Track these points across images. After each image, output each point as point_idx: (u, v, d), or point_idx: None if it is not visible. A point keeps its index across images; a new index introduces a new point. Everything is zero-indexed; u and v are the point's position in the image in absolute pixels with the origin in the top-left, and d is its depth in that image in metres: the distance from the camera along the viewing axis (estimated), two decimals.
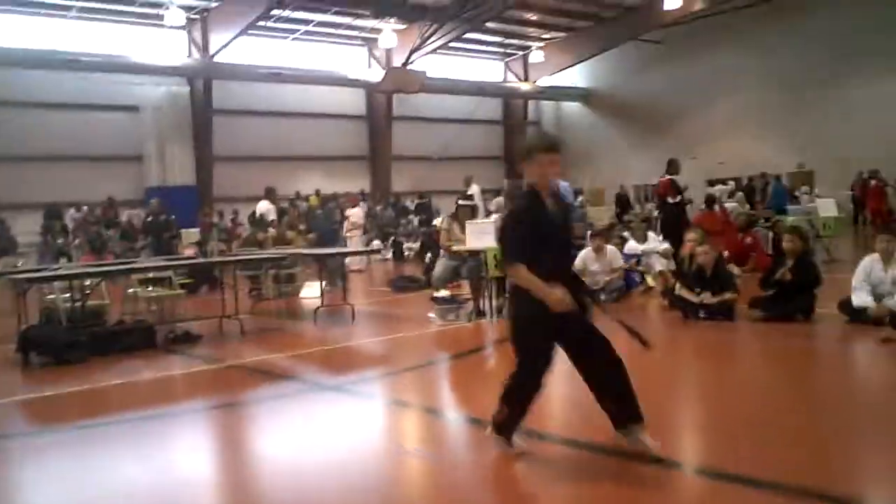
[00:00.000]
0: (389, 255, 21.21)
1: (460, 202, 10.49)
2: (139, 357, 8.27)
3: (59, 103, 23.33)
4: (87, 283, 9.18)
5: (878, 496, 3.98)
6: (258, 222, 15.94)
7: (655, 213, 17.48)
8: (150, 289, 10.51)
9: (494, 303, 9.96)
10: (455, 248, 9.94)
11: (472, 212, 10.45)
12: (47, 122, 22.81)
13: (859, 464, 4.30)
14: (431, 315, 9.86)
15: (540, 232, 4.11)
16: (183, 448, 5.38)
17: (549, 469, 4.37)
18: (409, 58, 27.19)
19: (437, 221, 16.56)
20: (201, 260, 11.66)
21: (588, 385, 4.32)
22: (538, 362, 4.19)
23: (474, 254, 9.71)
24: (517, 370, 4.27)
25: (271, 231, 14.83)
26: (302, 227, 16.89)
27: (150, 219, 17.38)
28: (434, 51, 27.59)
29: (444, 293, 9.89)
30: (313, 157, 27.89)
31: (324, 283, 11.32)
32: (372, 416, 5.90)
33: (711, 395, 6.07)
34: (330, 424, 5.71)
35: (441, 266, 10.23)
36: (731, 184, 23.71)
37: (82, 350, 8.06)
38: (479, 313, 9.83)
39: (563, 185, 15.15)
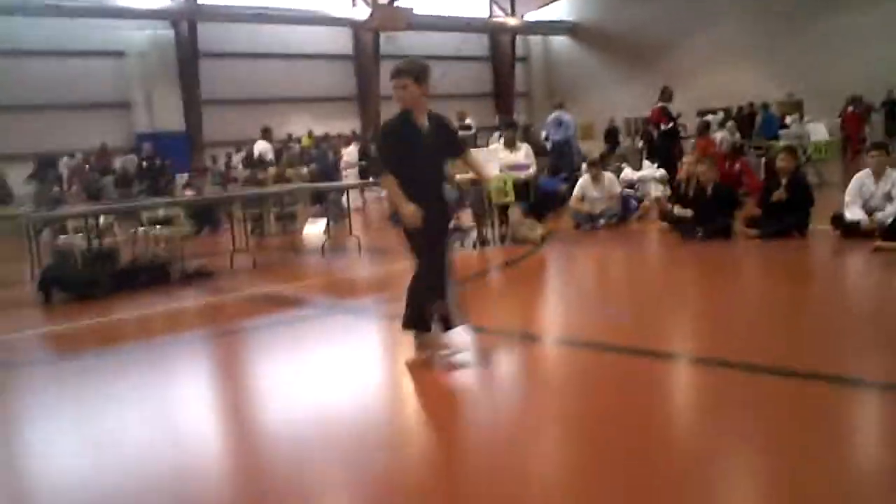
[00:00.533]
0: (384, 192, 21.31)
1: (460, 133, 10.65)
2: (155, 292, 8.52)
3: (41, 50, 23.01)
4: (101, 221, 9.35)
5: (862, 371, 4.32)
6: (257, 162, 16.07)
7: (640, 144, 17.69)
8: (158, 228, 10.71)
9: (497, 230, 10.25)
10: (458, 177, 10.14)
11: (473, 141, 10.63)
12: (29, 69, 22.53)
13: (843, 348, 4.66)
14: None
15: (405, 147, 4.68)
16: (206, 368, 5.68)
17: (563, 368, 4.70)
18: None
19: None
20: (210, 196, 11.81)
21: None
22: (433, 258, 4.74)
23: (476, 183, 9.92)
24: (419, 269, 4.81)
25: (271, 170, 14.95)
26: (302, 167, 16.98)
27: (144, 164, 17.44)
28: None
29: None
30: (302, 99, 27.76)
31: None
32: (392, 332, 6.18)
33: (710, 299, 6.40)
34: (353, 341, 6.00)
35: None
36: (721, 113, 23.86)
37: (102, 286, 8.29)
38: (483, 241, 10.10)
39: (566, 116, 15.33)
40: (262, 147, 15.59)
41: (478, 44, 33.30)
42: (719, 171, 12.80)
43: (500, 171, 10.09)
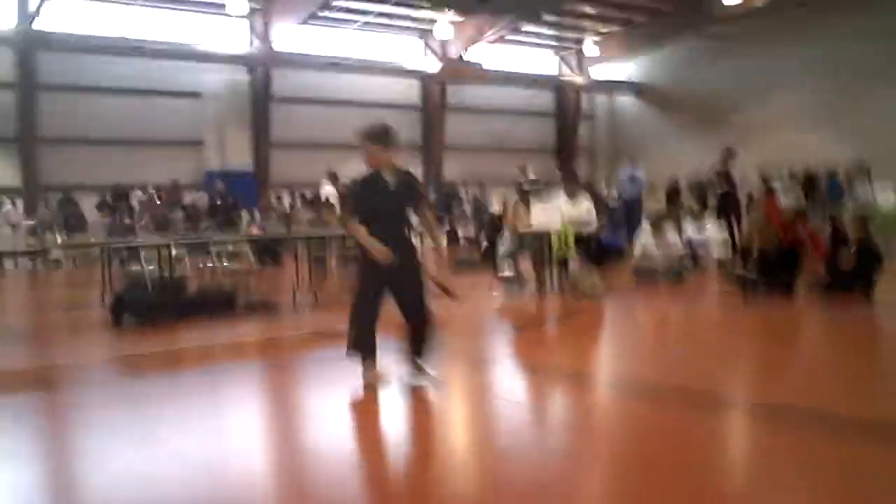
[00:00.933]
0: (444, 240, 21.63)
1: (524, 186, 10.81)
2: (220, 322, 8.75)
3: (125, 88, 24.11)
4: (174, 252, 9.69)
5: None
6: (324, 205, 16.47)
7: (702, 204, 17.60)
8: (226, 263, 11.04)
9: (556, 280, 10.30)
10: (521, 228, 10.27)
11: (538, 195, 10.77)
12: (114, 106, 23.55)
13: None
14: (495, 293, 10.21)
15: (374, 199, 5.30)
16: (262, 395, 5.82)
17: (618, 414, 4.72)
18: (464, 49, 27.50)
19: (493, 207, 16.86)
20: (278, 235, 12.13)
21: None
22: (367, 294, 5.33)
23: (538, 233, 10.05)
24: (354, 300, 5.42)
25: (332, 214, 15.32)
26: None
27: (218, 201, 18.03)
28: (489, 42, 27.86)
29: (508, 271, 10.22)
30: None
31: None
32: (461, 372, 6.25)
33: (769, 354, 6.34)
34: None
35: (505, 245, 10.56)
36: (786, 177, 23.58)
37: (170, 313, 8.57)
38: (542, 290, 10.16)
39: (639, 173, 15.39)
40: (327, 191, 15.99)
41: (543, 99, 33.67)
42: (783, 234, 12.74)
43: (562, 222, 10.19)
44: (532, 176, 15.30)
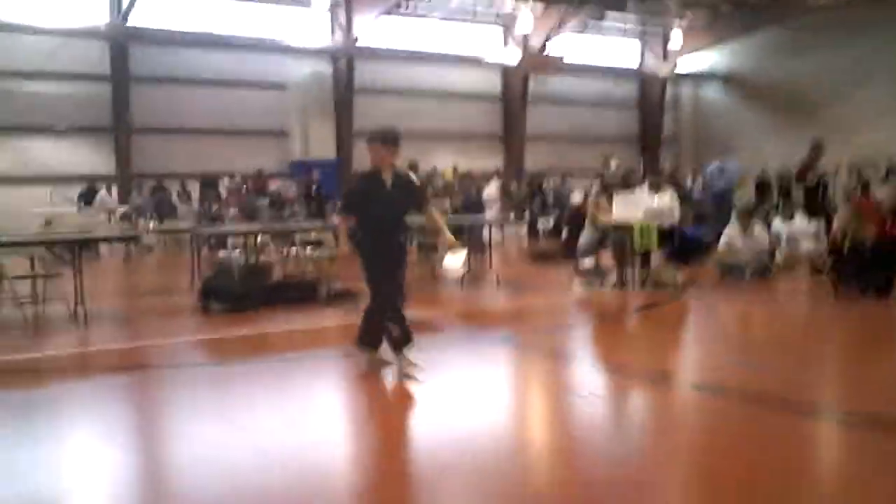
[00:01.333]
0: (524, 230, 21.54)
1: (607, 179, 10.68)
2: (303, 309, 8.94)
3: (213, 80, 24.80)
4: (259, 239, 9.93)
5: None
6: None
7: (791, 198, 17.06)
8: (309, 249, 11.23)
9: (637, 274, 10.15)
10: (602, 219, 10.16)
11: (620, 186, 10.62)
12: (202, 98, 24.25)
13: None
14: (575, 283, 10.13)
15: (369, 196, 5.53)
16: (342, 383, 5.91)
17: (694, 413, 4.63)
18: (546, 40, 27.27)
19: (574, 198, 16.71)
20: None
21: None
22: (382, 288, 5.56)
23: (620, 226, 9.92)
24: (370, 298, 5.64)
25: None
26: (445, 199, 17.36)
27: (313, 190, 18.55)
28: (572, 32, 27.55)
29: (588, 263, 10.12)
30: (449, 135, 28.43)
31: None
32: (536, 364, 6.25)
33: (862, 355, 6.11)
34: (496, 367, 6.11)
35: (586, 237, 10.47)
36: (883, 169, 22.64)
37: (255, 300, 8.80)
38: (622, 283, 10.03)
39: (730, 164, 15.00)
40: None
41: (626, 89, 33.13)
42: (879, 228, 12.21)
43: (644, 215, 10.02)
44: (615, 167, 15.12)
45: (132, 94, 23.63)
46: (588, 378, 5.90)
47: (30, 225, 18.10)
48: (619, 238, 9.96)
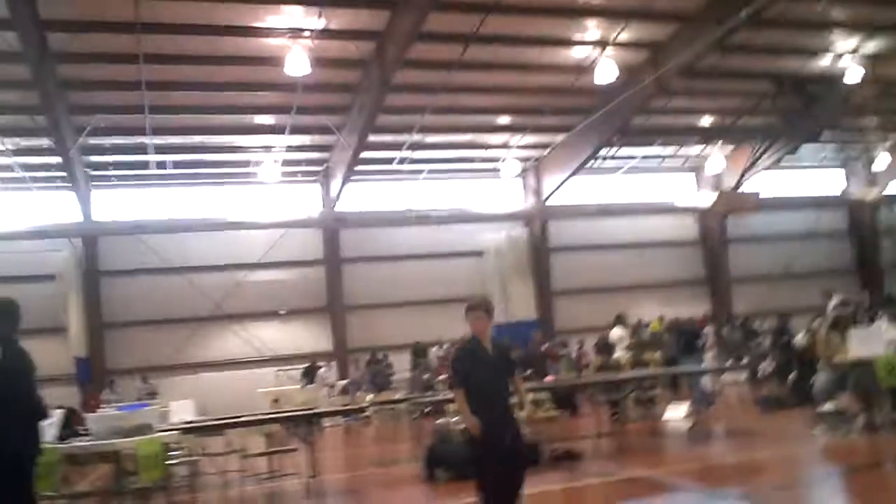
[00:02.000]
0: (743, 377, 20.31)
1: (837, 310, 9.97)
2: (530, 473, 8.72)
3: (416, 254, 26.17)
4: None
5: None
6: (607, 348, 16.30)
7: None
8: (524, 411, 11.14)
9: (888, 415, 9.18)
10: (837, 358, 9.40)
11: (853, 318, 9.86)
12: (406, 270, 25.52)
13: None
14: (816, 431, 9.29)
15: (476, 367, 5.55)
16: None
17: None
18: (740, 179, 26.71)
19: (798, 338, 15.63)
20: (572, 381, 12.15)
21: None
22: (490, 482, 5.52)
23: (859, 363, 9.12)
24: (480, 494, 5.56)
25: (623, 355, 15.07)
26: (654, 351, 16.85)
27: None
28: (766, 168, 26.84)
29: (828, 407, 9.30)
30: (650, 285, 27.94)
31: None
32: None
33: None
34: None
35: (822, 379, 9.70)
36: None
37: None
38: (872, 427, 9.07)
39: None
40: (616, 335, 15.91)
41: (832, 218, 31.38)
42: None
43: (887, 348, 9.17)
44: (838, 302, 14.12)
45: (343, 274, 25.35)
46: None
47: (259, 404, 19.37)
48: (861, 376, 9.12)
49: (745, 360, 20.71)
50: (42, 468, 6.42)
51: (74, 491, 7.58)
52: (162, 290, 23.67)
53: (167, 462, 6.81)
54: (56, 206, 22.29)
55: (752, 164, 26.15)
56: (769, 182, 27.84)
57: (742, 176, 26.70)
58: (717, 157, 26.63)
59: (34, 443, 5.81)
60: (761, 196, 26.74)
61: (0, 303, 5.87)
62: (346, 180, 22.93)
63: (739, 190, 26.95)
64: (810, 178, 30.75)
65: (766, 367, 20.23)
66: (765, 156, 25.88)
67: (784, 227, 29.73)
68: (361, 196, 24.90)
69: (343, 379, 21.34)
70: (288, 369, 23.83)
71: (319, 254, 25.51)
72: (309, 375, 21.28)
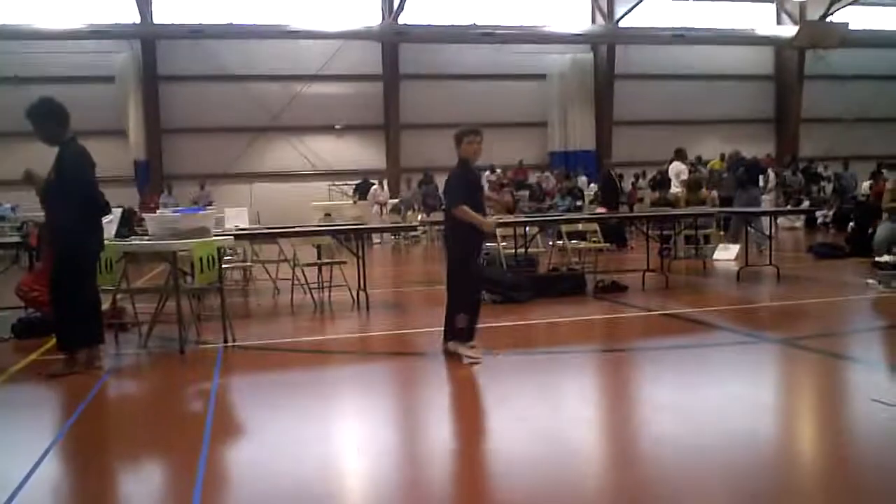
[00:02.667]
0: (800, 223, 19.95)
1: None
2: (573, 302, 8.85)
3: (476, 74, 25.51)
4: (528, 230, 10.00)
5: None
6: (664, 183, 16.04)
7: None
8: (574, 241, 11.14)
9: None
10: None
11: None
12: (464, 91, 24.99)
13: None
14: (870, 281, 9.12)
15: (471, 186, 6.11)
16: (600, 380, 5.69)
17: None
18: (828, 9, 24.96)
19: (862, 186, 15.16)
20: (626, 214, 12.02)
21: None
22: (475, 275, 6.25)
23: None
24: (466, 288, 6.03)
25: (675, 189, 14.84)
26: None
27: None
28: (857, 0, 24.98)
29: (887, 258, 9.07)
30: (714, 121, 27.03)
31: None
32: (825, 369, 5.67)
33: None
34: (779, 374, 5.63)
35: (884, 229, 9.40)
36: None
37: (525, 291, 8.85)
38: None
39: None
40: (677, 168, 15.54)
41: None
42: None
43: None
44: None
45: (401, 91, 24.93)
46: (885, 384, 5.21)
47: (312, 217, 19.78)
48: None
49: (805, 205, 20.27)
50: (103, 263, 6.67)
51: (133, 287, 7.89)
52: (220, 98, 23.71)
53: (221, 266, 6.98)
54: (116, 7, 21.98)
55: None
56: (858, 16, 25.96)
57: (830, 6, 24.95)
58: None
59: (96, 237, 6.02)
60: (849, 28, 25.06)
61: (41, 103, 5.86)
62: None
63: (827, 20, 25.28)
64: None
65: (826, 213, 19.80)
66: None
67: (867, 66, 28.05)
68: (424, 9, 23.97)
69: (395, 197, 21.49)
70: (341, 184, 24.14)
71: (378, 68, 25.05)
72: (361, 191, 21.49)
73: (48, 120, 5.85)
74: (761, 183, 15.31)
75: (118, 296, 7.43)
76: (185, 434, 4.41)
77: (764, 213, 12.28)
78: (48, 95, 5.96)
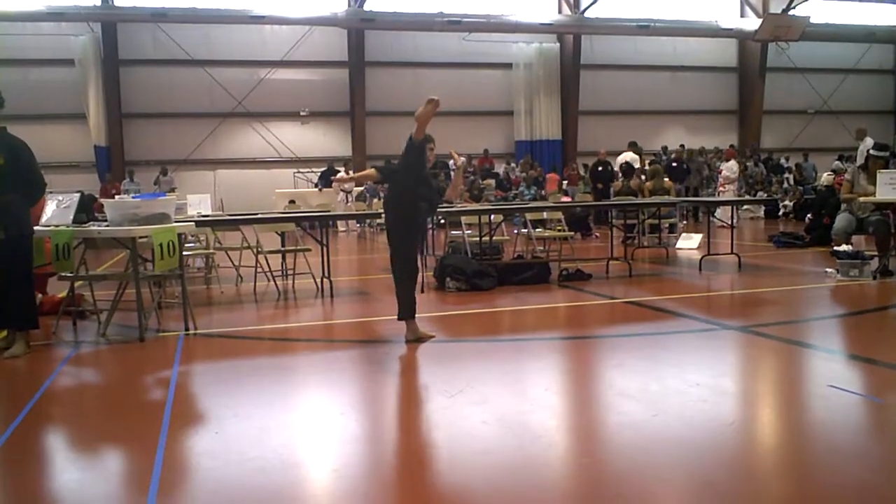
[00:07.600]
0: (761, 212, 20.25)
1: (872, 152, 9.63)
2: (537, 290, 8.89)
3: (442, 62, 25.46)
4: (492, 219, 10.00)
5: None
6: (628, 172, 16.15)
7: None
8: (538, 230, 11.18)
9: None
10: (862, 199, 9.21)
11: (885, 164, 9.55)
12: (431, 79, 24.95)
13: None
14: (829, 270, 9.28)
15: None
16: (565, 365, 5.73)
17: None
18: (790, 3, 25.30)
19: (823, 178, 15.41)
20: (591, 203, 12.10)
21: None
22: (415, 251, 6.44)
23: (882, 206, 8.95)
24: (405, 264, 6.26)
25: (645, 182, 14.94)
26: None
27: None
28: None
29: (845, 247, 9.23)
30: (677, 112, 27.32)
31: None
32: (783, 356, 5.75)
33: None
34: (739, 361, 5.70)
35: (843, 219, 9.55)
36: None
37: (489, 279, 8.87)
38: (886, 271, 9.04)
39: None
40: (628, 157, 15.83)
41: (880, 53, 30.04)
42: None
43: None
44: (864, 145, 13.74)
45: (368, 79, 24.80)
46: (839, 370, 5.31)
47: (276, 204, 19.61)
48: (882, 221, 8.98)
49: (765, 196, 20.58)
50: (61, 249, 6.55)
51: (92, 273, 7.76)
52: (183, 84, 23.40)
53: (182, 252, 6.89)
54: None
55: None
56: (819, 10, 26.36)
57: (791, 2, 25.32)
58: None
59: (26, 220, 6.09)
60: (811, 21, 25.43)
61: None
62: None
63: (788, 13, 25.64)
64: (863, 10, 29.06)
65: (786, 203, 20.12)
66: None
67: (828, 59, 28.58)
68: None
69: (360, 185, 21.39)
70: (306, 172, 24.00)
71: (344, 55, 24.90)
72: (326, 179, 21.38)
73: None
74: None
75: (76, 283, 7.30)
76: (143, 422, 4.35)
77: (726, 203, 12.44)
78: None
